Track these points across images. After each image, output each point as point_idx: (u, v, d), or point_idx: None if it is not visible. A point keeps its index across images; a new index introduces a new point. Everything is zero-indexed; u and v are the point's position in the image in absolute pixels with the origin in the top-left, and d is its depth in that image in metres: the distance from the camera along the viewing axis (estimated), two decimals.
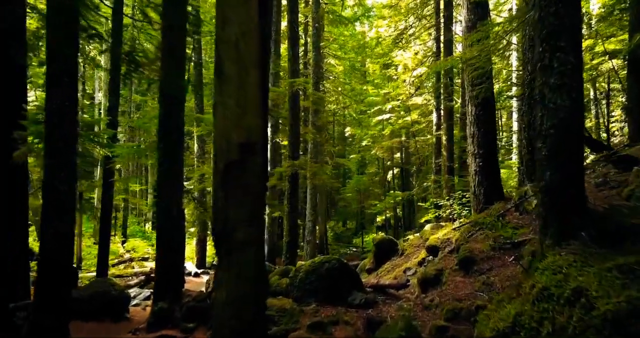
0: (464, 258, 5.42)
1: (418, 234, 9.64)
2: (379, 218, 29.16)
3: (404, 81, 22.33)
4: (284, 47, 22.08)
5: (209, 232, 17.47)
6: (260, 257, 3.48)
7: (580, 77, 4.18)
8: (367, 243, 29.74)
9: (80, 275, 11.89)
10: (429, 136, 23.74)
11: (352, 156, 30.73)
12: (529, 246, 4.44)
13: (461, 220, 8.07)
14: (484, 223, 6.90)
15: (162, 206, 6.75)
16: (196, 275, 15.38)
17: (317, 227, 24.25)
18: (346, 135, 32.87)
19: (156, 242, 7.22)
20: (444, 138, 16.79)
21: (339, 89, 25.37)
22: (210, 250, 17.13)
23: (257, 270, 3.43)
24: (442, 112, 17.35)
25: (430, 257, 7.23)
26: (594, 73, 13.27)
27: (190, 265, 16.11)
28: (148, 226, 27.43)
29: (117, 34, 10.34)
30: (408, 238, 15.57)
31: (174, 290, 6.56)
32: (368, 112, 26.20)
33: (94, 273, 11.59)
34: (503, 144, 25.50)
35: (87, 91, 20.88)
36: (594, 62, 12.12)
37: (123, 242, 21.13)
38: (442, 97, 16.88)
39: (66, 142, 5.22)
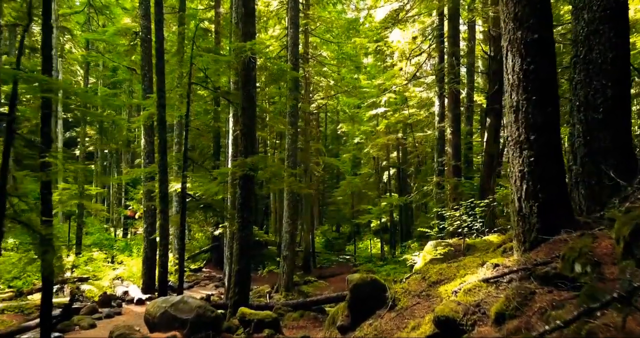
0: None
1: (418, 273, 6.00)
2: (374, 223, 25.49)
3: (400, 69, 18.65)
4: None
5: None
6: None
7: None
8: (361, 250, 26.10)
9: None
10: (429, 132, 20.06)
11: (344, 155, 27.02)
12: None
13: (492, 262, 4.38)
14: (554, 279, 3.28)
15: None
16: (140, 302, 11.76)
17: (303, 237, 20.62)
18: (339, 133, 29.19)
19: None
20: (448, 131, 13.14)
21: (330, 81, 21.70)
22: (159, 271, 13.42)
23: None
24: (446, 99, 13.71)
25: None
26: None
27: (134, 289, 12.49)
28: (119, 233, 23.82)
29: None
30: (408, 260, 11.89)
31: None
32: (361, 105, 22.55)
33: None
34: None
35: None
36: None
37: (77, 252, 17.57)
38: (446, 81, 13.22)
39: None
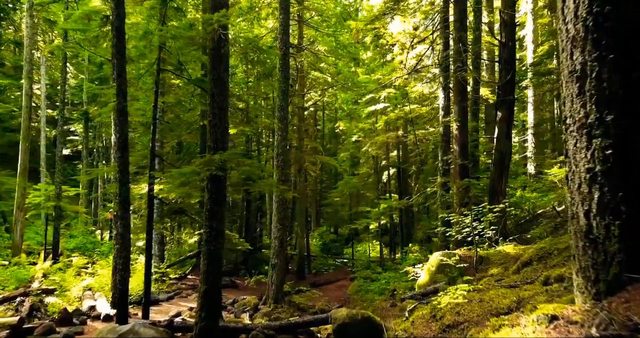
0: None
1: (422, 299, 4.46)
2: (372, 226, 23.93)
3: (401, 62, 17.12)
4: None
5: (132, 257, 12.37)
6: None
7: None
8: (360, 253, 24.54)
9: None
10: (431, 129, 18.50)
11: (341, 154, 25.46)
12: None
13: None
14: None
15: None
16: (108, 318, 10.22)
17: (298, 241, 19.10)
18: (336, 131, 27.65)
19: None
20: (454, 126, 11.61)
21: (327, 76, 20.13)
22: (134, 281, 11.94)
23: None
24: (451, 92, 12.18)
25: None
26: None
27: (102, 303, 10.96)
28: (106, 235, 22.31)
29: None
30: (410, 273, 10.36)
31: None
32: (359, 101, 20.99)
33: None
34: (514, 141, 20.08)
35: None
36: None
37: (54, 257, 16.05)
38: (451, 70, 11.69)
39: None
